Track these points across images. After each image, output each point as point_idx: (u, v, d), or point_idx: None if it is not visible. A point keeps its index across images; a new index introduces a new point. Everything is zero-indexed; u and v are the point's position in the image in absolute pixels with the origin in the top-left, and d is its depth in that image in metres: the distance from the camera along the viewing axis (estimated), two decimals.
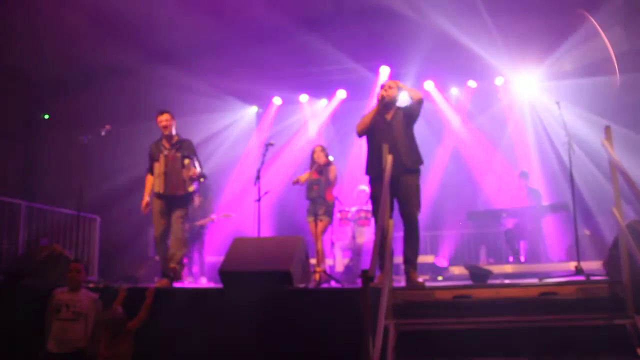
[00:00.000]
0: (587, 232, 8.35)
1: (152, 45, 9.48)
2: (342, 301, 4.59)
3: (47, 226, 8.34)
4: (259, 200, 6.79)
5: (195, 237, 8.13)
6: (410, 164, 5.27)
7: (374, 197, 5.37)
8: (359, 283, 5.12)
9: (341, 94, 10.90)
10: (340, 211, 7.90)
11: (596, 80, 8.89)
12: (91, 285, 5.65)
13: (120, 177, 9.66)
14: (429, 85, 10.46)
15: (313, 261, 6.41)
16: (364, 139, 5.56)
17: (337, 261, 8.18)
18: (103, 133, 6.97)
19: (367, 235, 8.05)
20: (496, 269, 7.05)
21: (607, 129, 4.34)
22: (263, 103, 11.44)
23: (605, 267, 5.21)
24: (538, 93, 9.94)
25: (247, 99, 11.42)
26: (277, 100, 11.28)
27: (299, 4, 9.03)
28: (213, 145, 10.60)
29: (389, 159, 4.62)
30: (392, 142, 5.03)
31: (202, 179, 6.36)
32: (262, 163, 6.91)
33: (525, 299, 4.29)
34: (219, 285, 5.40)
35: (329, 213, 6.83)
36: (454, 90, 10.65)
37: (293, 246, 5.26)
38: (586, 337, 3.85)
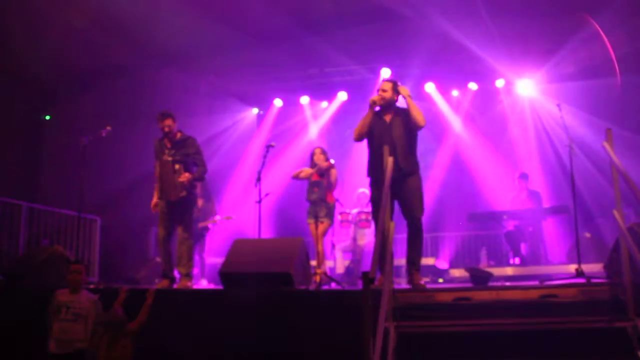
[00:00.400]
0: (588, 235, 8.33)
1: (152, 47, 9.47)
2: (342, 303, 4.59)
3: (47, 227, 8.33)
4: (259, 201, 6.79)
5: (196, 239, 8.13)
6: (406, 167, 5.24)
7: (374, 200, 5.36)
8: (359, 285, 5.12)
9: (342, 95, 10.90)
10: (340, 213, 7.90)
11: (597, 82, 8.89)
12: (91, 286, 5.66)
13: (121, 178, 9.68)
14: (429, 87, 10.46)
15: (313, 263, 6.41)
16: (364, 142, 5.55)
17: (338, 263, 8.18)
18: (104, 134, 6.97)
19: (368, 238, 8.06)
20: (497, 271, 7.04)
21: (608, 131, 4.34)
22: (264, 105, 11.45)
23: (606, 269, 5.21)
24: (539, 95, 9.95)
25: (248, 101, 11.42)
26: (277, 102, 11.28)
27: (300, 5, 9.02)
28: (214, 147, 10.59)
29: (389, 161, 4.61)
30: (390, 144, 5.02)
31: (196, 181, 6.33)
32: (263, 165, 6.90)
33: (526, 302, 4.29)
34: (220, 287, 5.40)
35: (330, 215, 6.82)
36: (455, 92, 10.65)
37: (293, 248, 5.26)
38: (587, 340, 3.85)
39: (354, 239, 8.09)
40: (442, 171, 10.03)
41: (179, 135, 6.30)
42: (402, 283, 5.86)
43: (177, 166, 6.09)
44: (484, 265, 8.41)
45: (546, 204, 8.65)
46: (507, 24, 8.70)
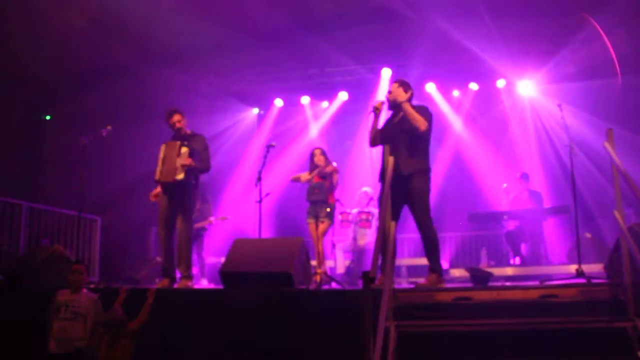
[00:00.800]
0: (588, 235, 8.33)
1: (153, 47, 9.47)
2: (342, 303, 4.59)
3: (48, 227, 8.33)
4: (260, 201, 6.79)
5: (193, 239, 8.13)
6: (405, 170, 5.21)
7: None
8: (359, 285, 5.12)
9: (343, 95, 10.90)
10: (341, 213, 7.89)
11: (597, 82, 8.89)
12: (92, 286, 5.65)
13: (121, 178, 9.67)
14: (430, 87, 10.46)
15: (314, 263, 6.41)
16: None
17: (338, 263, 8.17)
18: (104, 134, 6.97)
19: (368, 237, 8.05)
20: (497, 271, 7.03)
21: (609, 132, 4.34)
22: (264, 105, 11.45)
23: (607, 269, 5.21)
24: (539, 95, 9.95)
25: (248, 101, 11.42)
26: (278, 102, 11.28)
27: (300, 5, 9.02)
28: (214, 147, 10.55)
29: (390, 161, 4.61)
30: (393, 145, 5.01)
31: (197, 171, 6.27)
32: (263, 165, 6.90)
33: (526, 302, 4.28)
34: (220, 287, 5.40)
35: (330, 215, 6.82)
36: (456, 93, 10.65)
37: (294, 247, 5.26)
38: (587, 340, 3.84)
39: (355, 239, 8.09)
40: (442, 171, 10.02)
41: (189, 131, 6.34)
42: (403, 283, 5.86)
43: (183, 149, 6.07)
44: (484, 265, 8.40)
45: (547, 204, 8.64)
46: (508, 25, 8.69)
